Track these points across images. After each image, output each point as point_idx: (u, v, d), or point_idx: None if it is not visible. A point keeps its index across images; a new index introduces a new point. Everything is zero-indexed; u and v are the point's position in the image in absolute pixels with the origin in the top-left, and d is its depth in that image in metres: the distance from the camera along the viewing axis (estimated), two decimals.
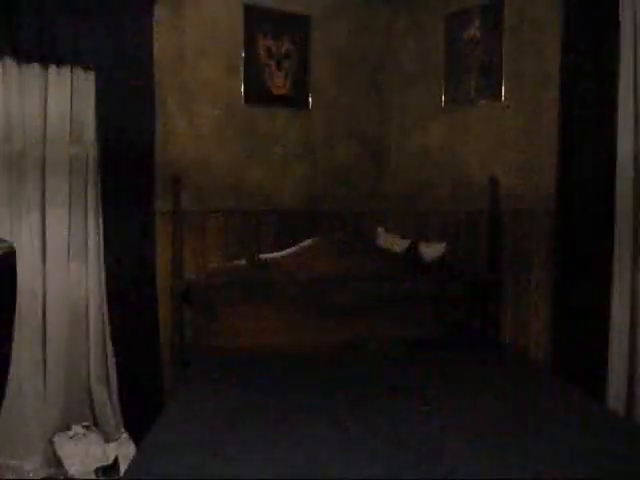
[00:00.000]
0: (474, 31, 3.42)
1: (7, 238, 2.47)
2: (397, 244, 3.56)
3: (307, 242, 3.28)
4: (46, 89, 2.80)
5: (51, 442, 2.80)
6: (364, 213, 3.80)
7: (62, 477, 2.74)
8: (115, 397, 2.97)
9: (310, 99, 3.61)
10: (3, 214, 2.74)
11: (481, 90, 3.40)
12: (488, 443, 1.90)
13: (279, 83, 3.51)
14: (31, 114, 2.78)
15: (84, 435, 2.82)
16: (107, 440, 2.87)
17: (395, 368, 2.77)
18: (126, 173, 2.93)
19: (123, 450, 2.81)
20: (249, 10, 3.37)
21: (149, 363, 3.03)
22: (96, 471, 2.73)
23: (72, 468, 2.71)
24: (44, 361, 2.85)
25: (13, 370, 2.63)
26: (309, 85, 3.60)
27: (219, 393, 2.39)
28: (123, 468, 2.70)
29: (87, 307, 2.95)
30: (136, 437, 2.78)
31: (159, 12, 3.07)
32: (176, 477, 1.71)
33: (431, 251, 3.43)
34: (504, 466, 1.74)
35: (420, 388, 2.45)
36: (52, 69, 2.79)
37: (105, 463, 2.76)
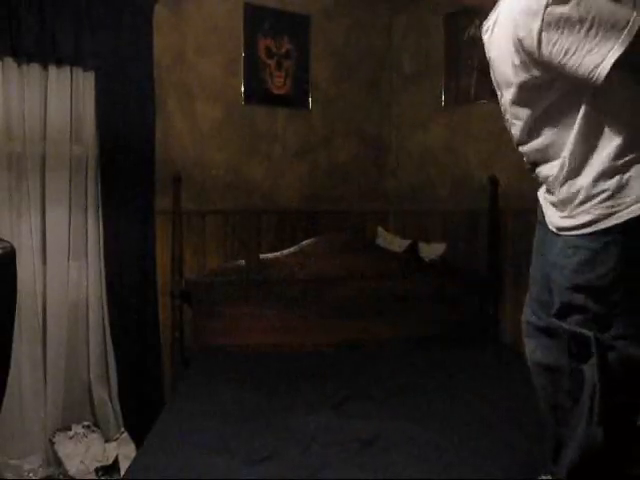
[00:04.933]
0: (474, 30, 3.41)
1: (7, 238, 2.47)
2: (397, 244, 3.56)
3: (307, 242, 3.29)
4: (46, 89, 2.79)
5: (51, 442, 2.80)
6: (364, 213, 3.80)
7: (62, 477, 2.74)
8: (115, 397, 2.97)
9: (310, 98, 3.61)
10: (3, 214, 2.74)
11: (481, 89, 3.40)
12: (486, 441, 1.90)
13: (279, 83, 3.51)
14: (31, 114, 2.77)
15: (84, 435, 2.82)
16: (107, 440, 2.87)
17: (395, 368, 2.77)
18: (126, 173, 2.93)
19: (123, 450, 2.81)
20: (249, 10, 3.37)
21: (149, 363, 3.03)
22: (96, 471, 2.73)
23: (72, 468, 2.71)
24: (44, 361, 2.84)
25: (13, 370, 2.62)
26: (309, 85, 3.60)
27: (219, 392, 2.40)
28: (123, 468, 2.70)
29: (87, 307, 2.95)
30: (136, 437, 2.78)
31: (159, 12, 3.07)
32: (177, 476, 1.71)
33: (431, 251, 3.43)
34: (501, 465, 1.74)
35: (419, 388, 2.45)
36: (52, 69, 2.78)
37: (105, 463, 2.76)
